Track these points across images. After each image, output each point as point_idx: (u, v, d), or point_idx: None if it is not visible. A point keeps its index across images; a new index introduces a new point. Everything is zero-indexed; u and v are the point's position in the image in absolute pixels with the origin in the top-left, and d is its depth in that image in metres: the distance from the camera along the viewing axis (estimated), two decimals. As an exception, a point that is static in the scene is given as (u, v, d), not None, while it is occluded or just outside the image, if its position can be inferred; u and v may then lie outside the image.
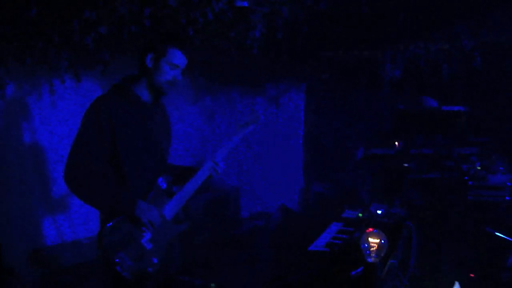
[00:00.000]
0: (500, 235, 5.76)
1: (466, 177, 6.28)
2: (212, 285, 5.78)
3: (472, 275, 6.25)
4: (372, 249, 3.64)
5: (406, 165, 6.32)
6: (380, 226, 4.00)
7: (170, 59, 3.83)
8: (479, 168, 6.28)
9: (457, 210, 6.33)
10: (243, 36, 6.41)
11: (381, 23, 6.72)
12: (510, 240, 5.69)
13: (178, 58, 3.85)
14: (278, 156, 9.33)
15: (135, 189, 3.83)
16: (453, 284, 5.30)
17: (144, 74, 3.87)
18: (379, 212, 5.01)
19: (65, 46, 5.74)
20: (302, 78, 9.18)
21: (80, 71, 6.36)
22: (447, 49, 7.33)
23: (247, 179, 9.36)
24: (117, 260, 3.64)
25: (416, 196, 6.37)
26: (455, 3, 6.45)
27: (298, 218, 8.13)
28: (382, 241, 3.67)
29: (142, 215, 3.75)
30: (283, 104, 9.31)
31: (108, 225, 3.69)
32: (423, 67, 7.39)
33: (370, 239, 3.65)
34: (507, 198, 6.42)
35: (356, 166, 7.25)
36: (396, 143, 6.42)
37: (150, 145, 3.91)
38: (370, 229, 3.70)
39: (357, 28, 6.85)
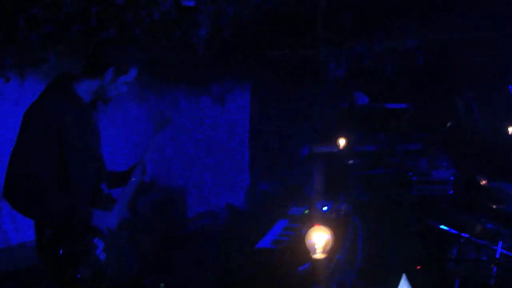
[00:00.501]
0: (444, 227, 5.89)
1: (410, 173, 6.41)
2: (162, 285, 5.75)
3: (419, 267, 6.38)
4: (318, 245, 3.67)
5: (350, 162, 6.42)
6: (326, 222, 4.04)
7: (128, 78, 3.72)
8: (422, 163, 6.42)
9: (402, 205, 6.45)
10: (189, 35, 6.39)
11: (325, 23, 6.80)
12: (453, 232, 5.83)
13: (134, 76, 3.76)
14: (224, 155, 9.34)
15: (80, 196, 3.59)
16: (400, 277, 5.39)
17: (93, 79, 3.68)
18: (325, 208, 5.07)
19: (10, 43, 5.61)
20: (248, 77, 9.20)
21: (25, 70, 6.22)
22: (392, 48, 7.46)
23: (193, 178, 9.33)
24: (78, 275, 3.43)
25: (362, 192, 6.47)
26: (399, 3, 6.56)
27: (244, 216, 8.17)
28: (328, 237, 3.71)
29: (100, 223, 3.57)
30: (228, 103, 9.31)
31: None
32: (367, 66, 7.50)
33: (316, 235, 3.69)
34: (450, 192, 6.58)
35: (301, 164, 7.31)
36: (340, 140, 6.50)
37: (92, 149, 3.76)
38: (316, 225, 3.74)
39: (302, 27, 6.91)
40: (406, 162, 6.46)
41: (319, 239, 3.68)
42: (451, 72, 7.70)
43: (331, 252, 3.80)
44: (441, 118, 7.01)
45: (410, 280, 5.44)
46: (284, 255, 4.32)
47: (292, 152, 8.15)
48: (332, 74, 7.46)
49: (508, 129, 6.78)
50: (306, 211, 5.13)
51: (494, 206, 5.83)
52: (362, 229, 5.33)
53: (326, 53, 7.56)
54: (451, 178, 6.50)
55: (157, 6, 5.65)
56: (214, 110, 9.30)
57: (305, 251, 3.75)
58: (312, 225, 3.98)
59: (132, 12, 5.64)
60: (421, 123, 7.20)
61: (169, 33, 6.39)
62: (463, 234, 5.88)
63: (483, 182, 6.22)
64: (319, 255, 3.70)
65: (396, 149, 6.51)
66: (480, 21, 7.56)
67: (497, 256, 5.58)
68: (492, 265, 5.61)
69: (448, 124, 6.54)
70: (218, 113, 9.34)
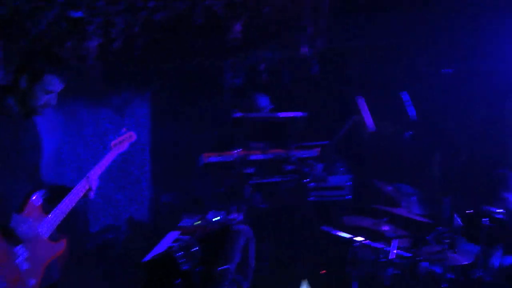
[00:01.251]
0: (338, 232, 5.97)
1: (306, 180, 6.44)
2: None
3: (323, 271, 6.45)
4: (187, 256, 3.64)
5: (246, 171, 6.40)
6: (209, 233, 4.01)
7: (45, 86, 3.60)
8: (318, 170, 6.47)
9: (299, 212, 6.49)
10: (79, 46, 6.25)
11: (219, 33, 6.78)
12: (347, 237, 5.91)
13: (54, 85, 3.64)
14: (126, 167, 9.15)
15: (7, 204, 3.55)
16: (300, 283, 5.42)
17: (14, 88, 3.62)
18: (216, 219, 5.02)
19: None
20: (146, 87, 9.07)
21: None
22: (287, 57, 7.50)
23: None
24: None
25: (259, 200, 6.46)
26: (292, 13, 6.62)
27: (147, 229, 8.03)
28: (194, 249, 3.69)
29: (17, 227, 3.49)
30: (128, 114, 9.13)
31: None
32: (264, 75, 7.52)
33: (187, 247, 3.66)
34: (348, 197, 6.66)
35: (199, 174, 7.25)
36: (235, 149, 6.48)
37: (23, 160, 3.68)
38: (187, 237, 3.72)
39: (195, 38, 6.87)
40: (302, 169, 6.49)
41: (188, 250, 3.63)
42: (347, 80, 7.82)
43: (209, 263, 3.76)
44: (337, 124, 7.08)
45: (311, 285, 5.50)
46: (167, 267, 4.25)
47: (192, 162, 8.06)
48: (229, 83, 7.44)
49: (403, 133, 6.93)
50: (197, 222, 5.07)
51: (390, 209, 5.93)
52: (258, 237, 5.32)
53: (222, 63, 7.54)
54: (348, 183, 6.57)
55: (44, 17, 5.49)
56: (114, 121, 9.10)
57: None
58: (198, 237, 3.94)
59: (17, 22, 5.47)
60: (317, 130, 7.26)
61: (59, 44, 6.23)
62: (359, 237, 5.97)
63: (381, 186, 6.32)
64: (187, 267, 3.66)
65: (291, 157, 6.54)
66: (375, 30, 7.74)
67: (392, 257, 5.69)
68: (388, 266, 5.72)
69: (343, 130, 6.60)
70: (118, 124, 9.15)
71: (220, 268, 4.30)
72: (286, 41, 7.21)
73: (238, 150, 6.47)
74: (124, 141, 4.12)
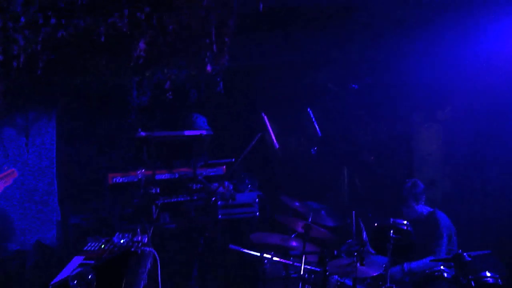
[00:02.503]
0: (247, 250, 5.94)
1: (214, 198, 6.40)
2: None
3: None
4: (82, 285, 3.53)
5: (152, 190, 6.30)
6: (111, 258, 3.90)
7: None
8: (226, 187, 6.44)
9: (208, 230, 6.43)
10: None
11: (123, 51, 6.67)
12: (255, 254, 5.89)
13: None
14: (32, 189, 8.86)
15: None
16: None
17: None
18: (122, 241, 4.88)
19: None
20: (52, 105, 8.83)
21: None
22: (194, 75, 7.45)
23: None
24: None
25: (167, 220, 6.37)
26: (197, 30, 6.57)
27: (54, 253, 7.78)
28: (89, 276, 3.58)
29: None
30: (33, 134, 8.86)
31: None
32: (170, 93, 7.43)
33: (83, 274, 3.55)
34: (257, 214, 6.65)
35: (106, 194, 7.10)
36: (140, 169, 6.39)
37: None
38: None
39: (100, 55, 6.73)
40: (209, 187, 6.45)
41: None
42: (252, 97, 7.85)
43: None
44: (243, 142, 7.08)
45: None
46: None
47: (100, 182, 7.89)
48: (135, 101, 7.33)
49: (310, 149, 7.00)
50: (103, 246, 4.91)
51: (299, 224, 5.95)
52: (166, 258, 5.21)
53: (129, 81, 7.42)
54: (256, 200, 6.56)
55: None
56: (18, 142, 8.82)
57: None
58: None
59: None
60: (224, 148, 7.25)
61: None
62: (267, 255, 5.97)
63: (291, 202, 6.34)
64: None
65: (198, 175, 6.49)
66: (280, 47, 7.80)
67: (301, 272, 5.70)
68: (298, 281, 5.73)
69: (249, 147, 6.58)
70: (23, 145, 8.87)
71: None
72: (191, 58, 7.16)
73: (142, 170, 6.36)
74: (8, 177, 4.00)
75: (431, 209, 6.39)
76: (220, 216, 6.47)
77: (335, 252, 5.99)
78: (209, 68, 7.06)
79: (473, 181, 7.71)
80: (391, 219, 5.61)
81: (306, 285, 5.80)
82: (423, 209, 6.38)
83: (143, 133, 6.62)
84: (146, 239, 4.96)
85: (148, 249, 4.77)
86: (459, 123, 8.01)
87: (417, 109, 8.30)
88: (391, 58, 7.82)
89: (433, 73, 7.72)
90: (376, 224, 5.66)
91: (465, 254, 5.20)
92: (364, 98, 8.14)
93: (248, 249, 5.94)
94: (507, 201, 7.26)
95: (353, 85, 8.13)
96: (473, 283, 5.23)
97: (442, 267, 5.56)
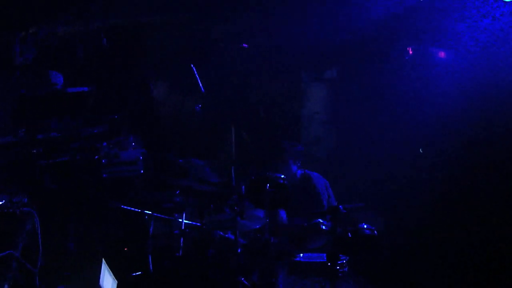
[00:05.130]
0: (131, 208, 5.97)
1: (97, 156, 6.33)
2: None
3: (126, 249, 6.41)
4: None
5: (34, 151, 6.17)
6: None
7: None
8: (110, 145, 6.38)
9: (93, 190, 6.38)
10: None
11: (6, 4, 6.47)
12: (137, 211, 5.91)
13: None
14: None
15: None
16: (99, 263, 5.34)
17: None
18: (0, 202, 4.81)
19: None
20: None
21: None
22: (78, 31, 7.30)
23: None
24: None
25: (50, 180, 6.27)
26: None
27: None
28: None
29: None
30: None
31: None
32: (56, 49, 7.27)
33: None
34: (141, 171, 6.62)
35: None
36: (21, 130, 6.24)
37: None
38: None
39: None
40: (93, 145, 6.37)
41: None
42: (134, 54, 7.76)
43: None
44: (127, 98, 7.04)
45: (110, 264, 5.44)
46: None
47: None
48: (19, 59, 7.11)
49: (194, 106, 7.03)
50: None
51: (182, 181, 6.01)
52: (48, 219, 5.16)
53: (12, 37, 7.18)
54: (141, 157, 6.54)
55: None
56: None
57: None
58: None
59: None
60: (108, 105, 7.15)
61: None
62: (150, 211, 6.02)
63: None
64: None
65: (80, 133, 6.40)
66: (171, 4, 7.73)
67: (182, 227, 5.79)
68: (180, 237, 5.81)
69: (135, 105, 6.55)
70: None
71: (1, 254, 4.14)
72: (77, 13, 7.02)
73: (23, 130, 6.22)
74: None
75: (303, 171, 6.60)
76: (104, 175, 6.39)
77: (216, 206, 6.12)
78: (94, 23, 6.96)
79: (356, 140, 7.96)
80: (267, 173, 5.74)
81: (189, 240, 5.89)
82: (298, 170, 6.60)
83: (23, 91, 6.45)
84: (26, 199, 4.89)
85: (27, 209, 4.71)
86: (346, 83, 8.24)
87: (306, 68, 8.47)
88: (279, 18, 7.88)
89: (322, 34, 7.84)
90: (252, 178, 5.76)
91: (340, 206, 5.39)
92: (256, 56, 8.19)
93: (131, 207, 5.97)
94: (387, 160, 7.55)
95: (244, 44, 8.17)
96: (350, 234, 5.48)
97: (320, 220, 5.75)
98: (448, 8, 7.01)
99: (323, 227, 5.65)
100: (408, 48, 8.00)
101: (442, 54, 7.85)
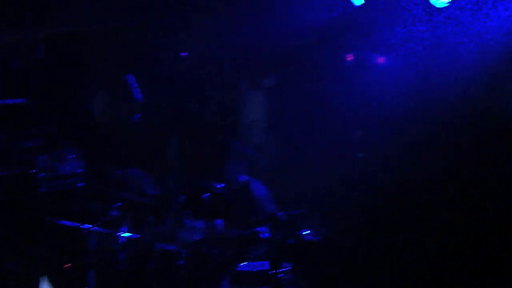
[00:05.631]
0: (69, 223, 5.86)
1: (34, 170, 6.20)
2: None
3: (68, 264, 6.27)
4: None
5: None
6: None
7: None
8: (47, 158, 6.26)
9: (30, 205, 6.25)
10: None
11: None
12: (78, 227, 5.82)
13: None
14: None
15: None
16: (39, 281, 5.22)
17: None
18: None
19: None
20: None
21: None
22: (15, 40, 7.15)
23: None
24: None
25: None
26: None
27: None
28: None
29: None
30: None
31: None
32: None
33: None
34: (80, 184, 6.52)
35: None
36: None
37: None
38: None
39: None
40: (29, 159, 6.24)
41: None
42: (77, 64, 7.64)
43: None
44: (66, 110, 6.91)
45: (51, 281, 5.33)
46: None
47: None
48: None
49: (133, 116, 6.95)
50: None
51: (120, 193, 5.94)
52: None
53: None
54: (79, 170, 6.43)
55: None
56: None
57: None
58: None
59: None
60: (44, 117, 7.02)
61: None
62: (89, 225, 5.91)
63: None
64: None
65: (15, 147, 6.25)
66: (107, 12, 7.63)
67: (122, 241, 5.71)
68: (120, 251, 5.73)
69: (73, 117, 6.44)
70: None
71: None
72: (12, 22, 6.88)
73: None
74: None
75: (245, 177, 6.58)
76: (42, 189, 6.26)
77: (163, 219, 6.06)
78: (29, 33, 6.83)
79: (297, 147, 7.98)
80: (205, 183, 5.72)
81: (130, 253, 5.82)
82: (241, 175, 6.56)
83: None
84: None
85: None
86: (285, 90, 8.26)
87: (245, 76, 8.47)
88: (216, 27, 7.87)
89: (260, 42, 7.86)
90: (190, 188, 5.73)
91: (279, 213, 5.40)
92: (195, 65, 8.17)
93: (70, 221, 5.86)
94: (329, 165, 7.59)
95: (183, 53, 8.15)
96: (290, 241, 5.50)
97: (261, 228, 5.75)
98: (386, 15, 7.11)
99: (264, 235, 5.64)
100: (347, 54, 8.10)
101: (381, 60, 7.97)
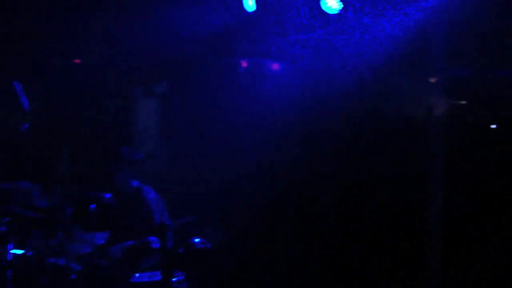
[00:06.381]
0: None
1: None
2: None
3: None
4: None
5: None
6: None
7: None
8: None
9: None
10: None
11: None
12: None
13: None
14: None
15: None
16: None
17: None
18: None
19: None
20: None
21: None
22: None
23: None
24: None
25: None
26: None
27: None
28: None
29: None
30: None
31: None
32: None
33: None
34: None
35: None
36: None
37: None
38: None
39: None
40: None
41: None
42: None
43: None
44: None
45: None
46: None
47: None
48: None
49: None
50: None
51: (5, 207, 5.75)
52: None
53: None
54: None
55: None
56: None
57: None
58: None
59: None
60: None
61: None
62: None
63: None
64: None
65: None
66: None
67: (9, 258, 5.54)
68: (7, 268, 5.55)
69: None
70: None
71: None
72: None
73: None
74: None
75: (137, 183, 6.51)
76: None
77: (52, 232, 5.91)
78: None
79: (189, 154, 8.00)
80: (91, 193, 5.62)
81: (17, 271, 5.64)
82: (133, 182, 6.50)
83: None
84: None
85: None
86: (177, 97, 8.26)
87: (137, 83, 8.40)
88: (107, 34, 7.77)
89: (152, 48, 7.82)
90: (77, 199, 5.63)
91: (168, 222, 5.39)
92: (88, 72, 8.04)
93: None
94: (223, 171, 7.65)
95: (76, 60, 8.01)
96: (181, 250, 5.49)
97: (151, 238, 5.71)
98: (278, 22, 7.22)
99: (154, 245, 5.61)
100: (240, 61, 8.17)
101: (274, 66, 8.09)
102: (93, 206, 5.43)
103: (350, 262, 7.10)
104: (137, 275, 5.71)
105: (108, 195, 5.65)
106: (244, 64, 8.24)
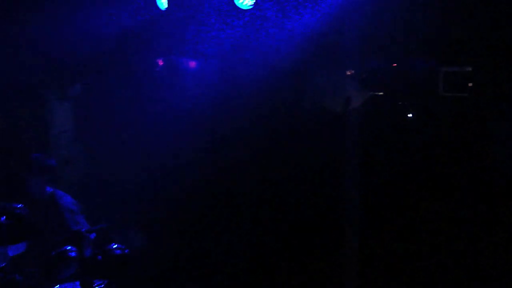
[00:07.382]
0: None
1: None
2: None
3: None
4: None
5: None
6: None
7: None
8: None
9: None
10: None
11: None
12: None
13: None
14: None
15: None
16: None
17: None
18: None
19: None
20: None
21: None
22: None
23: None
24: None
25: None
26: None
27: None
28: None
29: None
30: None
31: None
32: None
33: None
34: None
35: None
36: None
37: None
38: None
39: None
40: None
41: None
42: None
43: None
44: None
45: None
46: None
47: None
48: None
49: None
50: None
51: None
52: None
53: None
54: None
55: None
56: None
57: None
58: None
59: None
60: None
61: None
62: None
63: None
64: None
65: None
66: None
67: None
68: None
69: None
70: None
71: None
72: None
73: None
74: None
75: (52, 189, 6.30)
76: None
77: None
78: None
79: (107, 157, 7.84)
80: (1, 204, 5.39)
81: None
82: (47, 188, 6.29)
83: None
84: None
85: None
86: (92, 98, 8.07)
87: (51, 86, 8.16)
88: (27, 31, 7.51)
89: (64, 48, 7.60)
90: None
91: (83, 230, 5.24)
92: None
93: None
94: (142, 174, 7.54)
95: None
96: (99, 257, 5.34)
97: (67, 247, 5.53)
98: (193, 18, 7.15)
99: (71, 253, 5.43)
100: (156, 59, 8.07)
101: (192, 64, 8.01)
102: (3, 218, 5.19)
103: (269, 258, 7.12)
104: (56, 287, 5.51)
105: (19, 205, 5.41)
106: (160, 62, 8.14)
